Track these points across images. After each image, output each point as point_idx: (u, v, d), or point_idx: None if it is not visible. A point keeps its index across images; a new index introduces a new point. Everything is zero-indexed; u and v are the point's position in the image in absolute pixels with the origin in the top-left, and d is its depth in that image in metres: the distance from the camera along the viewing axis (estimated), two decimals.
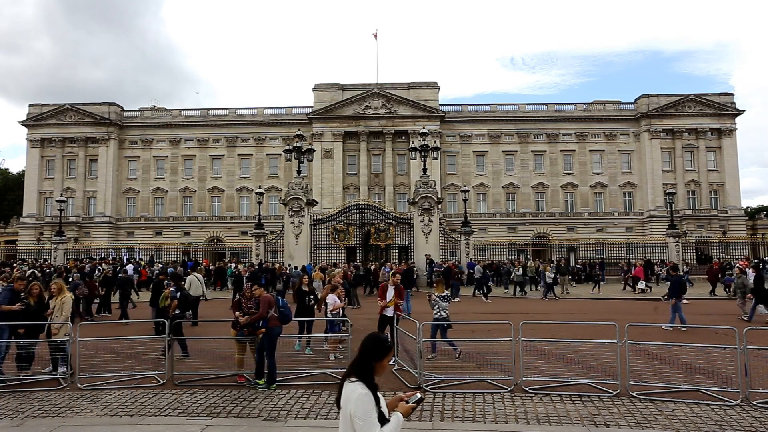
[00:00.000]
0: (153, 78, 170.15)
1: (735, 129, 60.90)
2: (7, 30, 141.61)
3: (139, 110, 67.08)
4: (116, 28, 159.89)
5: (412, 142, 50.59)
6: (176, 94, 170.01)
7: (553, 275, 26.35)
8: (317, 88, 62.52)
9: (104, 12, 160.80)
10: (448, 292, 12.97)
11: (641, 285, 28.77)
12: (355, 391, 3.32)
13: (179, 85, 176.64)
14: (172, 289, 13.11)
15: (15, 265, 32.47)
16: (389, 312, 11.64)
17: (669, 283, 18.99)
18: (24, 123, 62.89)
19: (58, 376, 9.87)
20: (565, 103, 65.05)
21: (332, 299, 12.42)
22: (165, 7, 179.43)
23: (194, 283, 17.38)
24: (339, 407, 3.45)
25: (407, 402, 3.48)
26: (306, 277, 13.74)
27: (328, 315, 12.39)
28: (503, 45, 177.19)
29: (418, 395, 3.52)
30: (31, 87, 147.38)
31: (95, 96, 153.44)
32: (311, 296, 12.88)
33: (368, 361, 3.47)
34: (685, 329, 14.68)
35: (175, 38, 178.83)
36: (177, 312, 12.50)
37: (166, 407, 8.36)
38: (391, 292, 11.85)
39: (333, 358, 11.39)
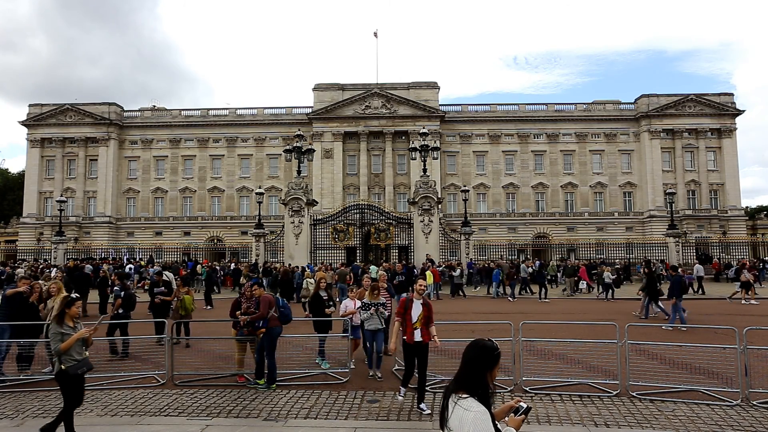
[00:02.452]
0: (151, 76, 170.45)
1: (735, 129, 60.90)
2: (2, 27, 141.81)
3: (139, 110, 67.10)
4: (112, 25, 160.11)
5: (412, 142, 50.62)
6: (175, 93, 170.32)
7: (613, 276, 25.75)
8: (317, 88, 62.52)
9: (99, 9, 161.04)
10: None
11: (582, 285, 28.34)
12: (470, 410, 2.95)
13: (177, 84, 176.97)
14: (116, 288, 12.90)
15: (46, 264, 32.60)
16: (419, 336, 8.30)
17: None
18: (24, 123, 62.89)
19: None
20: (565, 103, 65.04)
21: (346, 304, 11.69)
22: (162, 4, 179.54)
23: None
24: (442, 428, 3.07)
25: (515, 412, 3.16)
26: (323, 281, 12.43)
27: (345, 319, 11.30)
28: (506, 44, 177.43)
29: (524, 405, 3.19)
30: (29, 86, 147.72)
31: (93, 95, 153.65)
32: (330, 302, 11.84)
33: (480, 372, 3.08)
34: (685, 329, 14.73)
35: (172, 36, 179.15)
36: (120, 311, 12.26)
37: (166, 407, 8.37)
38: (417, 309, 8.38)
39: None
